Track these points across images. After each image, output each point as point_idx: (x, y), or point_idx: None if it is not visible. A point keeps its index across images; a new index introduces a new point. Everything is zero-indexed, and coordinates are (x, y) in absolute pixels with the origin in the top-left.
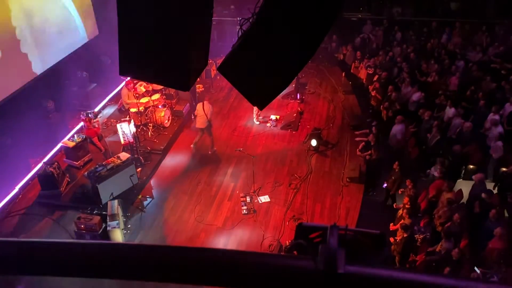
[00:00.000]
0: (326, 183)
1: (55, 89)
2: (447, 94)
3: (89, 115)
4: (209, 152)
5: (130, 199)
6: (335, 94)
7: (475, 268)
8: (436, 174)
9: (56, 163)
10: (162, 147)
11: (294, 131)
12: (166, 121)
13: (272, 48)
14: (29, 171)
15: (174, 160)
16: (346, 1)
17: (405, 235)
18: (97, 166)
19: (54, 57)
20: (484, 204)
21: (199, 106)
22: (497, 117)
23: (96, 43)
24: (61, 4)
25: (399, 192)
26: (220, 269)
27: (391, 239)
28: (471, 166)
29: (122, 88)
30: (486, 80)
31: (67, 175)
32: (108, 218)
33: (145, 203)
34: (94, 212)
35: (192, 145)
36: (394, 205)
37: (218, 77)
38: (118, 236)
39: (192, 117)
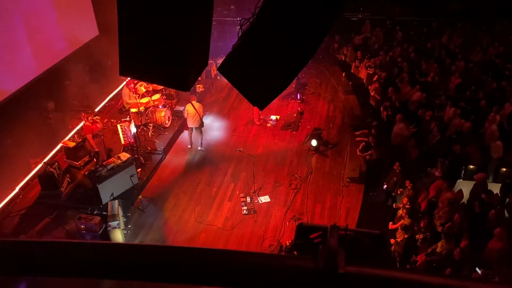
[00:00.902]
0: (326, 184)
1: (56, 90)
2: (447, 94)
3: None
4: (198, 148)
5: (130, 199)
6: (335, 94)
7: (476, 269)
8: (436, 174)
9: (56, 163)
10: (163, 147)
11: (294, 131)
12: (167, 121)
13: (272, 48)
14: (30, 171)
15: (174, 161)
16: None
17: (405, 236)
18: (97, 166)
19: (54, 57)
20: (484, 204)
21: (188, 106)
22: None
23: (96, 43)
24: (61, 4)
25: (398, 192)
26: (220, 270)
27: (392, 240)
28: (471, 166)
29: (122, 88)
30: (486, 80)
31: (68, 175)
32: (108, 218)
33: (145, 203)
34: (95, 212)
35: (189, 146)
36: (393, 205)
37: (218, 77)
38: (118, 236)
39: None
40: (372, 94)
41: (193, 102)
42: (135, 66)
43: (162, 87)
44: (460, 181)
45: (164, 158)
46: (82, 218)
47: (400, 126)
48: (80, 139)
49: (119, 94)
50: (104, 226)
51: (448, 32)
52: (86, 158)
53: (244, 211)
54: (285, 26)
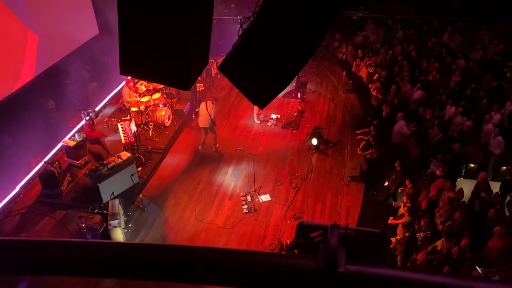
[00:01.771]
0: (327, 182)
1: (56, 89)
2: (448, 92)
3: (90, 115)
4: (213, 149)
5: (131, 198)
6: (335, 93)
7: (477, 268)
8: (438, 173)
9: (57, 162)
10: (163, 146)
11: (294, 130)
12: (167, 120)
13: (272, 47)
14: (30, 170)
15: (174, 159)
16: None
17: (406, 234)
18: (98, 165)
19: (54, 56)
20: (484, 203)
21: (202, 105)
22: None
23: (96, 42)
24: (61, 3)
25: (399, 190)
26: (220, 268)
27: (393, 239)
28: (472, 165)
29: (123, 87)
30: (486, 78)
31: (68, 174)
32: (109, 217)
33: (146, 202)
34: (95, 211)
35: (200, 146)
36: (393, 203)
37: (218, 76)
38: (119, 235)
39: (193, 116)
40: (374, 94)
41: (208, 102)
42: (135, 65)
43: (162, 86)
44: (460, 179)
45: (165, 157)
46: (83, 217)
47: (400, 123)
48: (81, 138)
49: (119, 93)
50: (104, 225)
51: (448, 31)
52: (87, 157)
53: (245, 209)
54: (285, 25)
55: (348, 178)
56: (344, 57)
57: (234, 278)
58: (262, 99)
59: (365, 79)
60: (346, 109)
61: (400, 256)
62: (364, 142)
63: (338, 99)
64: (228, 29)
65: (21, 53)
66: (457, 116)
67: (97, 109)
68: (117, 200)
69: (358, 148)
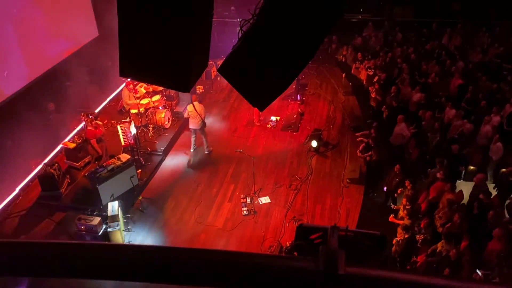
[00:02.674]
0: (327, 184)
1: (56, 91)
2: (447, 95)
3: (89, 116)
4: (205, 152)
5: (130, 200)
6: (335, 95)
7: (477, 270)
8: (438, 175)
9: (56, 164)
10: (163, 148)
11: (294, 132)
12: (167, 122)
13: (272, 49)
14: (30, 172)
15: (174, 161)
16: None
17: (406, 236)
18: (97, 167)
19: (54, 58)
20: (482, 205)
21: (190, 107)
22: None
23: (96, 44)
24: (61, 5)
25: (398, 191)
26: (220, 271)
27: (393, 241)
28: (471, 167)
29: (122, 89)
30: (486, 80)
31: (68, 176)
32: (108, 219)
33: (145, 204)
34: (95, 213)
35: (191, 150)
36: (392, 206)
37: (218, 78)
38: (118, 237)
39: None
40: (373, 96)
41: (195, 102)
42: (135, 67)
43: (162, 88)
44: (460, 182)
45: (164, 159)
46: (82, 219)
47: (401, 126)
48: (80, 140)
49: (119, 95)
50: (104, 227)
51: (448, 33)
52: (86, 159)
53: (244, 212)
54: (285, 27)
55: (347, 180)
56: (343, 59)
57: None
58: (261, 101)
59: (364, 81)
60: (345, 111)
61: (399, 258)
62: (363, 144)
63: (338, 101)
64: (228, 31)
65: (21, 55)
66: (458, 119)
67: (96, 111)
68: (116, 202)
69: (357, 150)
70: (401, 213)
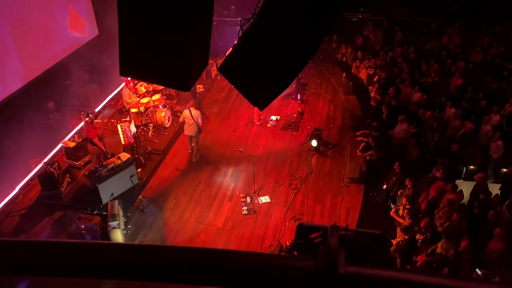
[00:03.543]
0: (327, 184)
1: (56, 90)
2: (447, 94)
3: (90, 116)
4: (193, 160)
5: (130, 200)
6: (335, 95)
7: (477, 270)
8: (438, 175)
9: (56, 163)
10: (163, 148)
11: (294, 131)
12: (167, 121)
13: (272, 48)
14: (30, 171)
15: (174, 161)
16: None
17: (406, 237)
18: (97, 166)
19: (54, 57)
20: (482, 205)
21: (186, 112)
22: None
23: (96, 43)
24: (61, 4)
25: (398, 193)
26: (220, 270)
27: (393, 241)
28: (472, 167)
29: (123, 88)
30: (486, 80)
31: (68, 175)
32: (108, 218)
33: (145, 203)
34: (95, 212)
35: (190, 150)
36: (392, 206)
37: (218, 78)
38: (118, 236)
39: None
40: (373, 95)
41: (191, 108)
42: (135, 66)
43: (162, 87)
44: (460, 181)
45: (164, 158)
46: (82, 218)
47: (403, 126)
48: (80, 139)
49: (119, 94)
50: (104, 226)
51: (448, 33)
52: (86, 158)
53: (244, 211)
54: (285, 27)
55: (347, 180)
56: (344, 58)
57: (234, 279)
58: (262, 101)
59: (365, 80)
60: (345, 111)
61: (399, 258)
62: (363, 143)
63: (338, 100)
64: (228, 30)
65: (21, 54)
66: (456, 119)
67: (96, 110)
68: (116, 201)
69: (357, 150)
70: (401, 212)
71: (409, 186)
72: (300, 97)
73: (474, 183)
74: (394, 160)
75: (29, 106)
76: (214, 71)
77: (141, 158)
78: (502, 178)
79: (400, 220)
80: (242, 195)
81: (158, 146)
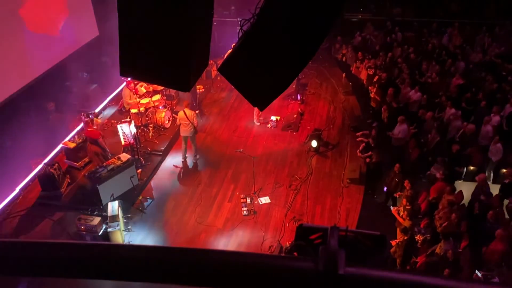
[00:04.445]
0: (327, 184)
1: (56, 90)
2: (447, 95)
3: (90, 116)
4: (193, 161)
5: (130, 200)
6: (335, 95)
7: (476, 271)
8: (438, 176)
9: (56, 164)
10: (163, 148)
11: (294, 132)
12: (167, 122)
13: (272, 49)
14: (30, 172)
15: (174, 161)
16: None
17: (405, 238)
18: (97, 167)
19: (54, 58)
20: (483, 206)
21: (181, 113)
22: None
23: (96, 43)
24: (61, 4)
25: (398, 195)
26: (220, 270)
27: (393, 242)
28: (472, 168)
29: (123, 88)
30: (487, 80)
31: (68, 176)
32: (108, 219)
33: (146, 204)
34: (95, 213)
35: (182, 160)
36: (392, 208)
37: (218, 78)
38: (118, 237)
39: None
40: (373, 96)
41: (186, 109)
42: (135, 67)
43: (162, 87)
44: (460, 182)
45: (164, 159)
46: (82, 219)
47: (402, 127)
48: (81, 140)
49: (119, 94)
50: (104, 227)
51: (448, 33)
52: (86, 159)
53: (244, 212)
54: (285, 27)
55: (347, 180)
56: (344, 59)
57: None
58: (262, 101)
59: (365, 81)
60: (345, 111)
61: (399, 258)
62: (364, 144)
63: (338, 101)
64: (228, 31)
65: (21, 54)
66: (456, 119)
67: (97, 110)
68: (116, 202)
69: (358, 150)
70: (401, 213)
71: (408, 187)
72: (300, 97)
73: (474, 183)
74: (394, 161)
75: (29, 107)
76: (214, 71)
77: (141, 158)
78: (502, 179)
79: (401, 220)
80: (242, 195)
81: (158, 147)
